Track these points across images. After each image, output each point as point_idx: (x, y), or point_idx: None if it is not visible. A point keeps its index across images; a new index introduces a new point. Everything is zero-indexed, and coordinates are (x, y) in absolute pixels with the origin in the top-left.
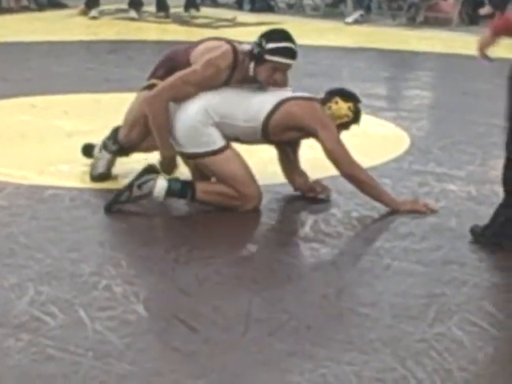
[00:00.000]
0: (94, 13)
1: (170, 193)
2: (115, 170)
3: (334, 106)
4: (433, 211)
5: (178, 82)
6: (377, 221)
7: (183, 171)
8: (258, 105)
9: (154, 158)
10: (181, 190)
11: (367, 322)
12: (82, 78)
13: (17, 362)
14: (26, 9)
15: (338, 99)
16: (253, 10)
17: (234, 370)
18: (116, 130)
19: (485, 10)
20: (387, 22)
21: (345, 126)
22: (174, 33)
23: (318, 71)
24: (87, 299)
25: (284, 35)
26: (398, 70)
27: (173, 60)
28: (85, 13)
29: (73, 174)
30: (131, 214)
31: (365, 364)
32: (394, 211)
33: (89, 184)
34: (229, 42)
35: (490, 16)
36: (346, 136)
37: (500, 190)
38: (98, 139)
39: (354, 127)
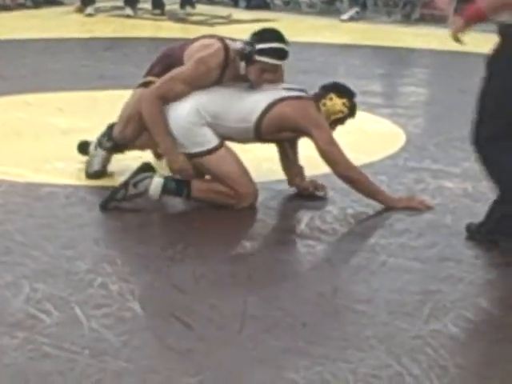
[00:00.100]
0: (89, 10)
1: (165, 191)
2: (111, 167)
3: (328, 103)
4: (429, 208)
5: (168, 82)
6: (372, 218)
7: None
8: (251, 105)
9: (149, 155)
10: (176, 188)
11: (363, 319)
12: (77, 76)
13: (12, 359)
14: (22, 6)
15: (332, 95)
16: (248, 7)
17: (230, 368)
18: (111, 127)
19: None
20: (383, 19)
21: (340, 120)
22: (169, 30)
23: (313, 68)
24: (83, 297)
25: (275, 35)
26: (393, 66)
27: (169, 57)
28: (80, 10)
29: (68, 171)
30: (127, 211)
31: (360, 361)
32: (390, 208)
33: (84, 181)
34: (222, 39)
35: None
36: (341, 133)
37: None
38: (93, 136)
39: (349, 123)
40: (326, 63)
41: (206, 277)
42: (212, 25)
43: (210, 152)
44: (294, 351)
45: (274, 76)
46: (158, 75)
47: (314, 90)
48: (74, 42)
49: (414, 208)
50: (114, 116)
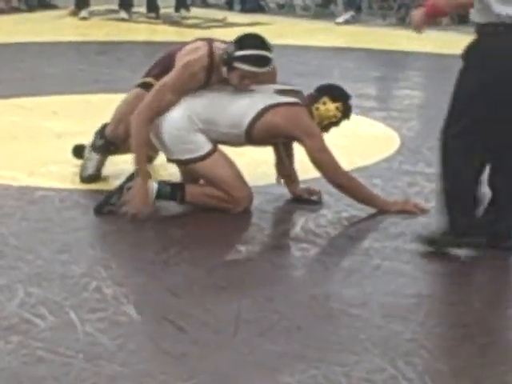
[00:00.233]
0: (83, 13)
1: (159, 195)
2: (105, 171)
3: (321, 107)
4: (423, 211)
5: (157, 95)
6: (367, 221)
7: (172, 172)
8: (241, 110)
9: None
10: (170, 192)
11: (357, 323)
12: (71, 79)
13: (7, 364)
14: (16, 10)
15: (325, 99)
16: (243, 10)
17: (225, 371)
18: (104, 126)
19: None
20: (377, 21)
21: (334, 123)
22: (164, 33)
23: (308, 71)
24: (77, 301)
25: (255, 42)
26: (388, 69)
27: (167, 59)
28: (75, 13)
29: (63, 175)
30: (121, 215)
31: (355, 364)
32: (385, 212)
33: (79, 185)
34: (210, 43)
35: None
36: (336, 136)
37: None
38: (87, 140)
39: (344, 126)
40: (320, 66)
41: (200, 281)
42: (207, 28)
43: (203, 158)
44: (288, 355)
45: (257, 80)
46: (157, 77)
47: (309, 91)
48: (68, 45)
49: (408, 211)
50: (108, 120)
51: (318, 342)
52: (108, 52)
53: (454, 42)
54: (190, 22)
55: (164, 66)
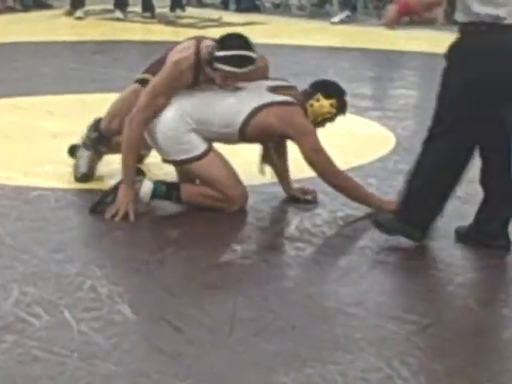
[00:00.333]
0: (79, 13)
1: (155, 195)
2: (100, 170)
3: (315, 104)
4: None
5: (148, 99)
6: (362, 220)
7: (168, 172)
8: (232, 109)
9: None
10: (166, 192)
11: (353, 322)
12: (67, 79)
13: (2, 363)
14: (11, 9)
15: (319, 96)
16: (238, 9)
17: (220, 371)
18: (98, 120)
19: None
20: (373, 21)
21: (329, 119)
22: (159, 33)
23: (303, 71)
24: (72, 300)
25: (237, 42)
26: (383, 69)
27: (165, 58)
28: (70, 13)
29: (58, 174)
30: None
31: (350, 364)
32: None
33: (74, 185)
34: (198, 41)
35: None
36: (331, 135)
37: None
38: None
39: (339, 125)
40: (315, 66)
41: (195, 280)
42: (202, 28)
43: (198, 158)
44: (283, 354)
45: (244, 78)
46: (154, 74)
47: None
48: (63, 45)
49: None
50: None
51: (314, 341)
52: (104, 51)
53: (449, 42)
54: (185, 21)
55: (161, 63)
